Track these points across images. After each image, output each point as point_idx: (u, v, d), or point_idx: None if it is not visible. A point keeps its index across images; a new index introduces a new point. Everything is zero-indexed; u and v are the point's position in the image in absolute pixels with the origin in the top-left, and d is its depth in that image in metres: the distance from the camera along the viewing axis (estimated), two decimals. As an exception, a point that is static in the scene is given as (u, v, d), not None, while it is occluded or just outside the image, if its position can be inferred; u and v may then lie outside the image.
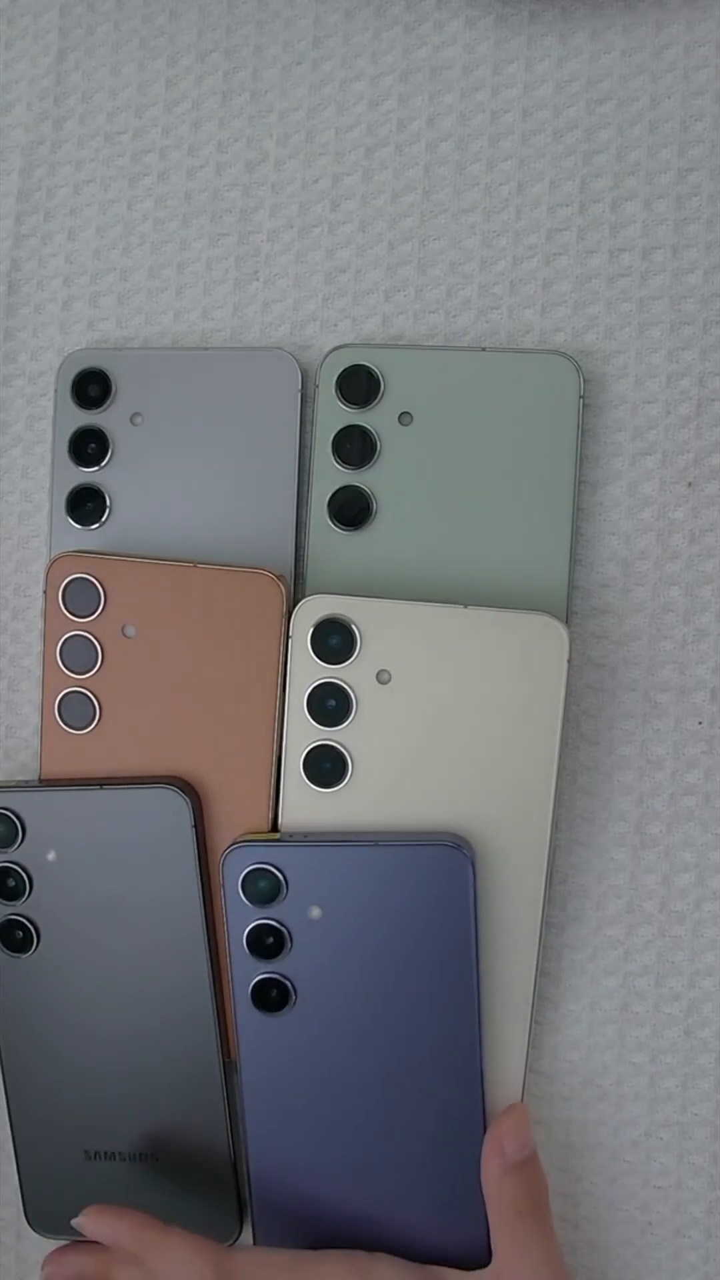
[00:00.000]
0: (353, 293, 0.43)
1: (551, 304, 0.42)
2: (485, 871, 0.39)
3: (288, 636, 0.40)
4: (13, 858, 0.42)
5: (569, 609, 0.41)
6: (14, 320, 0.46)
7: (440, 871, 0.38)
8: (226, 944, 0.40)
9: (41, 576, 0.45)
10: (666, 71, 0.41)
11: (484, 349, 0.41)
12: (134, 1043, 0.42)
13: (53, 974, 0.42)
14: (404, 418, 0.41)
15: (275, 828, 0.41)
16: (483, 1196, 0.39)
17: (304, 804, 0.40)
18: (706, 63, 0.41)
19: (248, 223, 0.44)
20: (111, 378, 0.43)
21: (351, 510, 0.41)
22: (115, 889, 0.41)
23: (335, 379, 0.41)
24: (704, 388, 0.41)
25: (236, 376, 0.43)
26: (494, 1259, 0.39)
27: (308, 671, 0.40)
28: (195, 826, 0.40)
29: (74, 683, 0.42)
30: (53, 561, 0.42)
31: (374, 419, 0.41)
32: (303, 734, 0.40)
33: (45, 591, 0.42)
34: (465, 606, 0.39)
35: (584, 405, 0.41)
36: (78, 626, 0.42)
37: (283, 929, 0.39)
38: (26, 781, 0.42)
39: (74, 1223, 0.40)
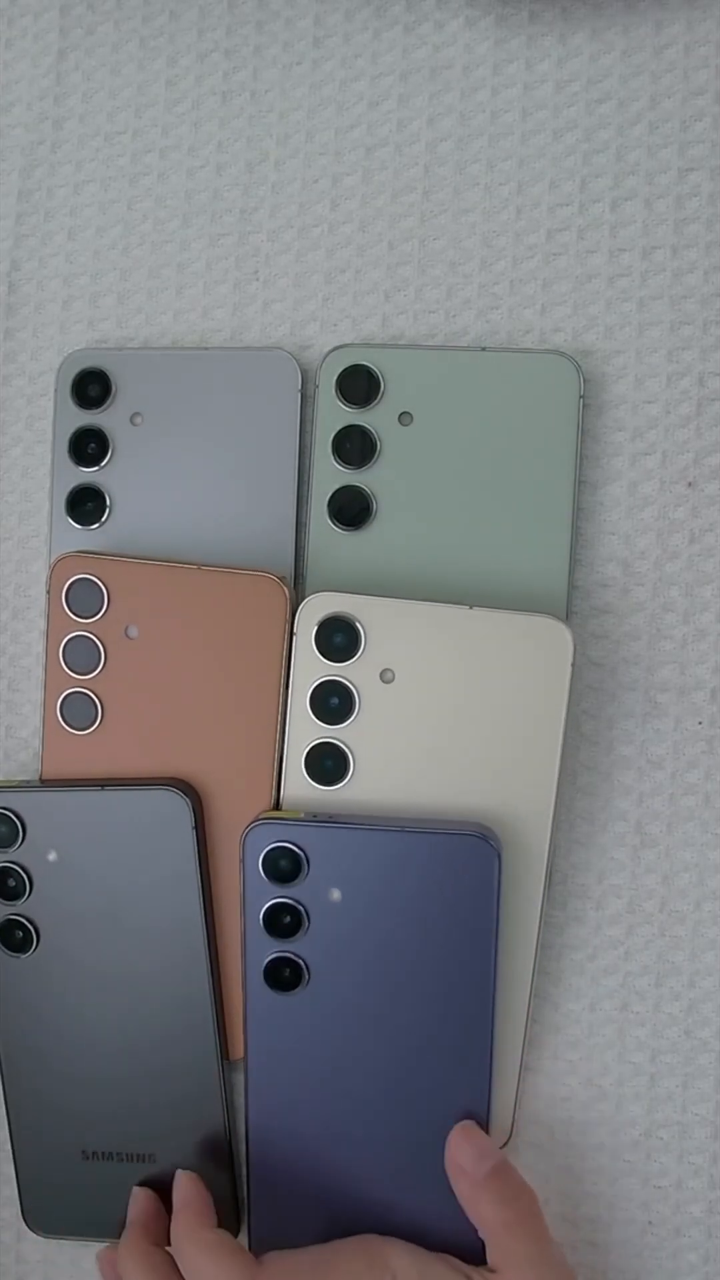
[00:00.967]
0: (353, 293, 0.43)
1: (551, 304, 0.42)
2: (486, 871, 0.39)
3: (291, 634, 0.40)
4: (13, 858, 0.42)
5: (569, 609, 0.41)
6: (14, 320, 0.46)
7: (467, 861, 0.38)
8: (242, 921, 0.40)
9: (41, 576, 0.45)
10: (666, 71, 0.41)
11: (484, 349, 0.41)
12: (133, 1044, 0.42)
13: (52, 974, 0.42)
14: (404, 418, 0.41)
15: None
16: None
17: (304, 802, 0.40)
18: (706, 63, 0.41)
19: (248, 223, 0.44)
20: (111, 378, 0.43)
21: (351, 510, 0.41)
22: (116, 890, 0.41)
23: (335, 379, 0.41)
24: (704, 388, 0.41)
25: (236, 376, 0.43)
26: (496, 1272, 0.39)
27: (311, 669, 0.40)
28: (195, 828, 0.40)
29: (76, 683, 0.42)
30: (56, 562, 0.42)
31: (374, 419, 0.41)
32: (305, 731, 0.40)
33: (48, 591, 0.42)
34: (470, 607, 0.39)
35: (584, 405, 0.41)
36: (80, 627, 0.42)
37: (301, 909, 0.39)
38: (28, 781, 0.42)
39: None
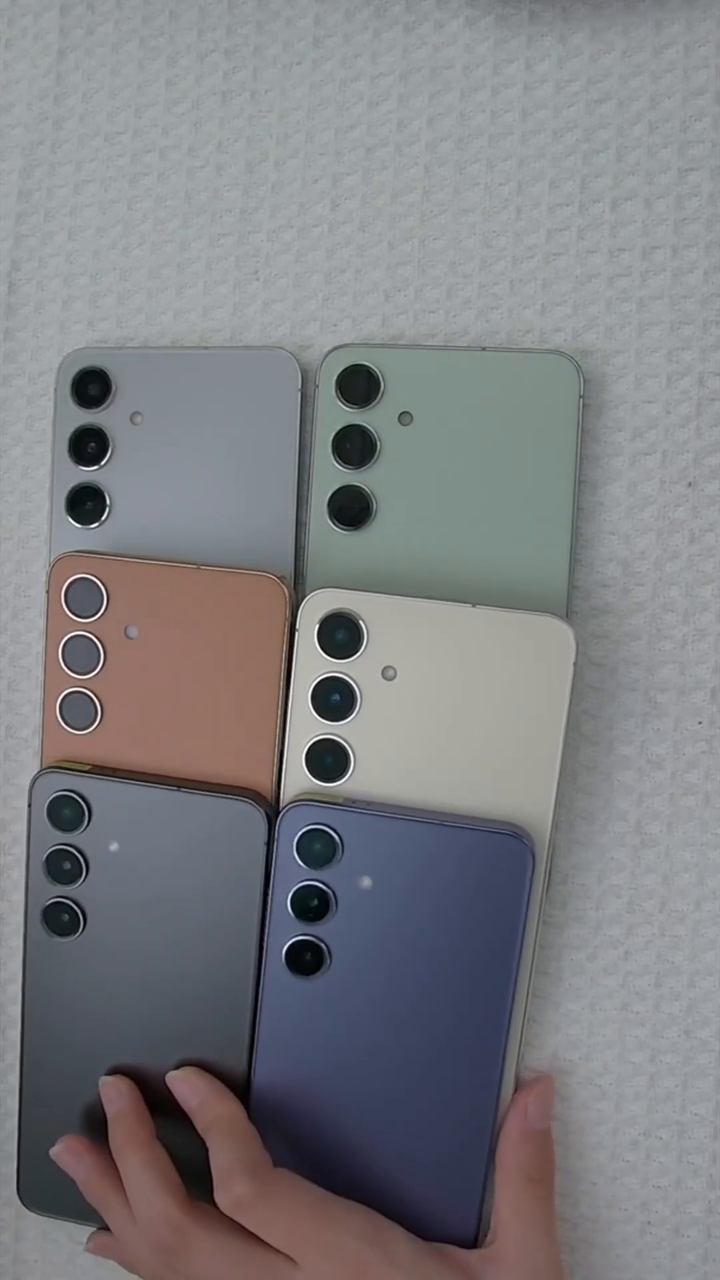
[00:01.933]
0: (353, 293, 0.43)
1: (551, 304, 0.42)
2: (486, 871, 0.39)
3: (293, 630, 0.40)
4: (74, 841, 0.41)
5: (569, 609, 0.41)
6: (14, 320, 0.46)
7: (500, 859, 0.38)
8: (268, 900, 0.40)
9: (41, 576, 0.45)
10: (666, 71, 0.41)
11: (484, 349, 0.41)
12: (163, 1043, 0.42)
13: (93, 962, 0.42)
14: (404, 417, 0.41)
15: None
16: (479, 1183, 0.39)
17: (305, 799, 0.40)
18: (706, 63, 0.41)
19: (248, 223, 0.44)
20: (111, 377, 0.43)
21: (351, 510, 0.41)
22: (173, 891, 0.41)
23: (335, 379, 0.41)
24: (704, 388, 0.41)
25: (236, 376, 0.43)
26: (494, 1232, 0.39)
27: (313, 665, 0.40)
28: (268, 844, 0.40)
29: (76, 683, 0.42)
30: (56, 561, 0.42)
31: (374, 419, 0.41)
32: (306, 727, 0.40)
33: (48, 591, 0.42)
34: (474, 605, 0.39)
35: (584, 405, 0.41)
36: (80, 627, 0.42)
37: (329, 893, 0.39)
38: (102, 768, 0.42)
39: (170, 1076, 0.41)
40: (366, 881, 0.39)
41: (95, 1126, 0.42)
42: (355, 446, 0.41)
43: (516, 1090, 0.40)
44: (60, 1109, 0.43)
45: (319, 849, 0.39)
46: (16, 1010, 0.46)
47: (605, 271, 0.42)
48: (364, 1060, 0.40)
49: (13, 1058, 0.46)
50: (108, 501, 0.43)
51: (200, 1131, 0.40)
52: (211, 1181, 0.38)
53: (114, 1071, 0.42)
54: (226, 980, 0.41)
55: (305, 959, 0.40)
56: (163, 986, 0.42)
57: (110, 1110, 0.41)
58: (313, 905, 0.40)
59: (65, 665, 0.42)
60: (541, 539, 0.40)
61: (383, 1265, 0.37)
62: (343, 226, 0.44)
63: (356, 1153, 0.40)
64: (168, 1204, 0.39)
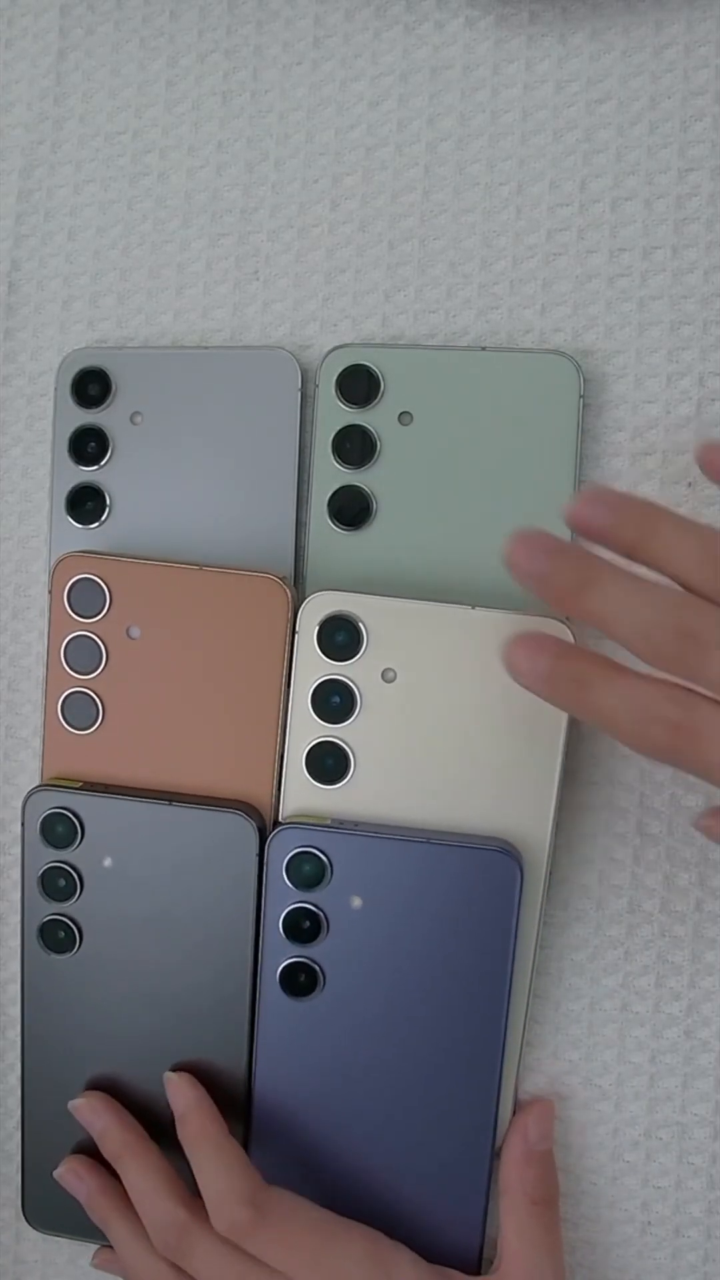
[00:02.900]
0: (353, 293, 0.43)
1: (551, 304, 0.42)
2: (486, 871, 0.39)
3: (294, 633, 0.40)
4: (68, 858, 0.41)
5: (569, 609, 0.41)
6: (14, 320, 0.46)
7: (489, 876, 0.38)
8: (259, 925, 0.40)
9: (41, 576, 0.45)
10: (666, 71, 0.41)
11: (484, 349, 0.41)
12: (160, 1060, 0.42)
13: (89, 978, 0.42)
14: (404, 417, 0.41)
15: (276, 824, 0.41)
16: (481, 1204, 0.39)
17: (305, 800, 0.40)
18: (706, 63, 0.41)
19: (248, 223, 0.44)
20: (111, 377, 0.43)
21: (351, 510, 0.41)
22: (167, 905, 0.41)
23: (335, 379, 0.41)
24: (704, 388, 0.41)
25: (236, 376, 0.43)
26: (500, 1256, 0.39)
27: (313, 667, 0.40)
28: (260, 855, 0.40)
29: (77, 683, 0.42)
30: (58, 561, 0.42)
31: (374, 419, 0.41)
32: (306, 730, 0.40)
33: (50, 591, 0.42)
34: (473, 607, 0.39)
35: (584, 405, 0.41)
36: (82, 627, 0.42)
37: (321, 914, 0.39)
38: (93, 783, 0.42)
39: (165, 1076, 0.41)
40: (357, 902, 0.39)
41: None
42: (355, 446, 0.41)
43: (516, 1111, 0.40)
44: (62, 1128, 0.43)
45: (309, 871, 0.39)
46: (16, 1011, 0.46)
47: (605, 271, 0.42)
48: (361, 1079, 0.40)
49: (13, 1057, 0.46)
50: (108, 501, 0.43)
51: (181, 1140, 0.40)
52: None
53: (92, 1086, 0.42)
54: (224, 993, 0.41)
55: (299, 981, 0.40)
56: (161, 1000, 0.41)
57: (94, 1130, 0.41)
58: (305, 927, 0.40)
59: (67, 665, 0.42)
60: (542, 539, 0.40)
61: None
62: (343, 226, 0.44)
63: (357, 1174, 0.40)
64: (170, 1205, 0.39)
